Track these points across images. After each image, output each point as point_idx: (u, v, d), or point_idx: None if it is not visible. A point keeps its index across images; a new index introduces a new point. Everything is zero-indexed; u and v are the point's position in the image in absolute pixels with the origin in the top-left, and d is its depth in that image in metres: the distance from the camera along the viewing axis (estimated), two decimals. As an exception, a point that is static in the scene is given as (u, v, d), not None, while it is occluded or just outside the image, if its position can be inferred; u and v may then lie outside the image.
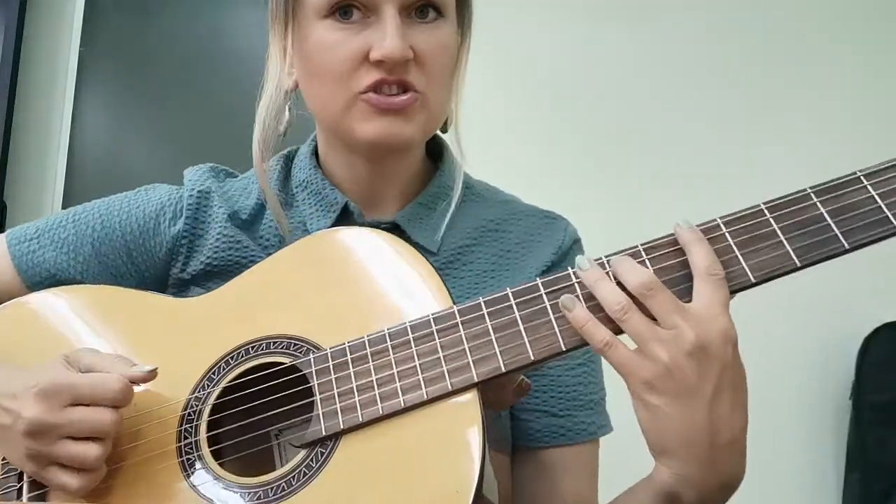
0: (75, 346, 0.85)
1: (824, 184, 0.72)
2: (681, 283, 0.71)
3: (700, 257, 0.69)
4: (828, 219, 0.70)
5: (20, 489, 0.79)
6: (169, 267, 0.93)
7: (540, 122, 2.09)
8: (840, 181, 0.72)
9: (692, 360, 0.67)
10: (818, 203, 0.71)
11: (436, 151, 0.98)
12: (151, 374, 0.78)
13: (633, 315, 0.69)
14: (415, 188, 0.95)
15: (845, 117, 2.09)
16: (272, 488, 0.73)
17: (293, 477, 0.73)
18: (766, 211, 0.72)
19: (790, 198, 0.72)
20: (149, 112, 2.38)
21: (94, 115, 2.35)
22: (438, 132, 0.95)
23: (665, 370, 0.67)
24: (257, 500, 0.73)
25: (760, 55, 2.15)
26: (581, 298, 0.72)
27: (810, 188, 0.72)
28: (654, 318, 0.69)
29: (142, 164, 2.33)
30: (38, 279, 0.94)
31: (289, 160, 0.99)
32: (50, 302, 0.91)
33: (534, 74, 2.08)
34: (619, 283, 0.71)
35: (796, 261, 0.69)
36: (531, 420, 0.91)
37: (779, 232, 0.70)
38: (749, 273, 0.70)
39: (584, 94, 2.16)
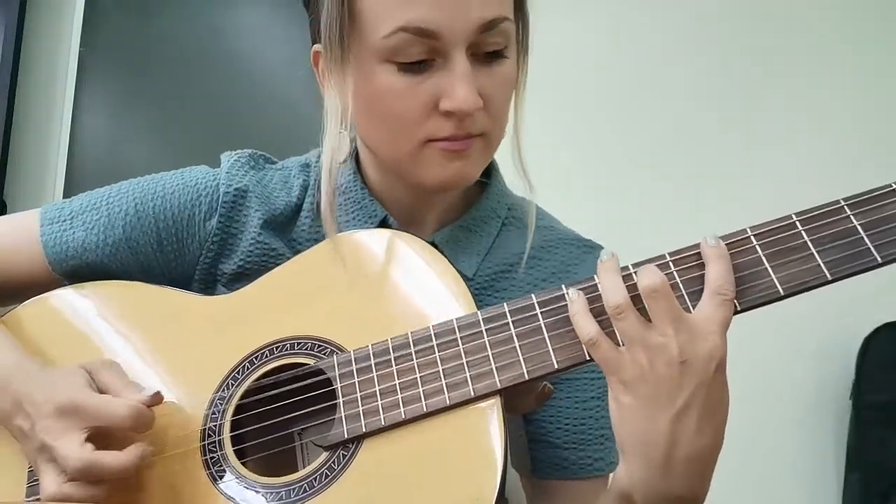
0: (101, 346, 0.86)
1: (858, 196, 0.70)
2: (698, 297, 0.70)
3: (714, 275, 0.69)
4: (861, 232, 0.68)
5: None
6: (197, 261, 0.92)
7: (560, 123, 2.10)
8: (874, 193, 0.70)
9: (671, 370, 0.67)
10: (851, 216, 0.69)
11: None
12: (156, 398, 0.78)
13: (628, 315, 0.69)
14: (457, 208, 0.93)
15: (862, 117, 2.11)
16: (294, 489, 0.73)
17: (315, 479, 0.73)
18: (797, 223, 0.71)
19: (822, 209, 0.71)
20: (149, 112, 2.38)
21: (94, 115, 2.34)
22: None
23: (641, 374, 0.68)
24: (279, 500, 0.73)
25: (778, 58, 2.17)
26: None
27: (843, 200, 0.70)
28: (652, 322, 0.69)
29: (142, 164, 2.32)
30: (66, 265, 0.93)
31: None
32: (78, 298, 0.91)
33: (554, 75, 2.08)
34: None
35: (827, 274, 0.68)
36: (535, 450, 0.89)
37: (810, 244, 0.69)
38: (778, 286, 0.69)
39: (603, 95, 2.18)
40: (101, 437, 0.75)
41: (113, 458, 0.73)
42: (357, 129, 0.87)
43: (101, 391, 0.78)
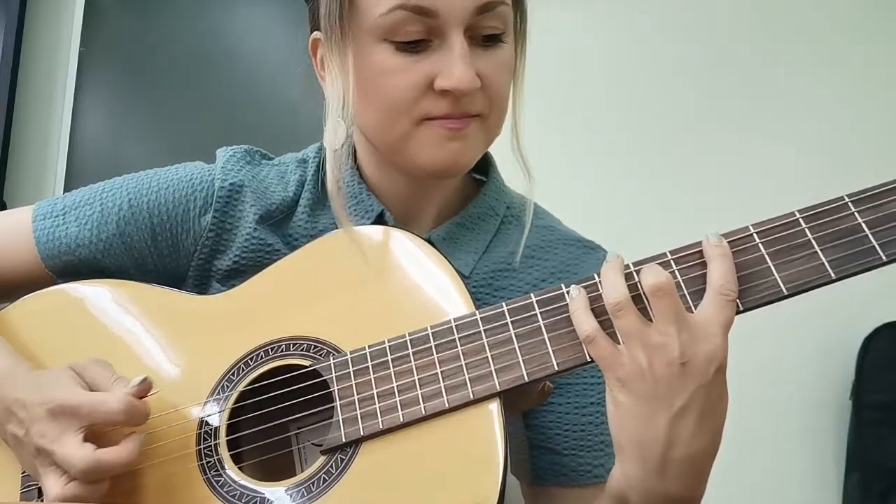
0: (93, 346, 0.85)
1: (862, 192, 0.69)
2: (700, 297, 0.69)
3: (717, 274, 0.69)
4: (865, 229, 0.67)
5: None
6: (191, 257, 0.91)
7: (559, 120, 2.09)
8: (878, 190, 0.68)
9: (670, 370, 0.67)
10: (856, 213, 0.68)
11: (479, 165, 0.94)
12: (143, 386, 0.77)
13: (627, 312, 0.69)
14: (454, 205, 0.92)
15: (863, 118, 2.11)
16: (292, 493, 0.73)
17: (313, 483, 0.73)
18: (801, 220, 0.69)
19: (826, 206, 0.69)
20: (149, 112, 2.38)
21: (94, 114, 2.34)
22: None
23: (640, 372, 0.68)
24: None
25: (778, 56, 2.16)
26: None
27: (847, 196, 0.69)
28: (653, 321, 0.69)
29: (142, 164, 2.30)
30: (59, 261, 0.92)
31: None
32: (70, 296, 0.90)
33: (554, 70, 2.07)
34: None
35: (831, 273, 0.67)
36: (535, 455, 0.88)
37: (813, 242, 0.68)
38: (782, 285, 0.68)
39: (603, 92, 2.18)
40: (96, 434, 0.74)
41: (115, 455, 0.73)
42: (354, 116, 0.86)
43: (90, 389, 0.77)
